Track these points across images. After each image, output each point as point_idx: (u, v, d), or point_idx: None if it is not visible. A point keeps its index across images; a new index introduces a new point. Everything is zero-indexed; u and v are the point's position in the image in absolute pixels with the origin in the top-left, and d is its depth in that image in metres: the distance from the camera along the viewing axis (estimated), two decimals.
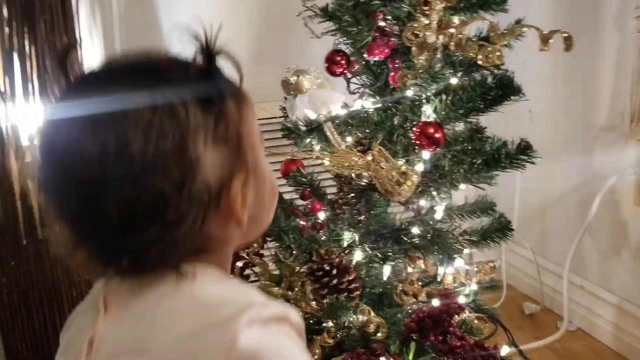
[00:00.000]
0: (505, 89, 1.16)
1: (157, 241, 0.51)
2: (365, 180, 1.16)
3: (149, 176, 0.49)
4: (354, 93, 1.33)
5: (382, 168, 0.99)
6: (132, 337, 0.53)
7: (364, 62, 1.27)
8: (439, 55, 1.13)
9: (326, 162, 1.11)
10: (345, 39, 1.26)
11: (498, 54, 0.96)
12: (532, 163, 1.22)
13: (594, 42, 1.67)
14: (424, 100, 1.14)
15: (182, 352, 0.50)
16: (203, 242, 0.55)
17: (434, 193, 1.23)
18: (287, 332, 0.52)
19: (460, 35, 1.04)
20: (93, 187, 0.49)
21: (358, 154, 1.10)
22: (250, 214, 0.58)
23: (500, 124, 1.96)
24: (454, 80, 1.13)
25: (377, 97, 1.27)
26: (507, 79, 1.16)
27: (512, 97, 1.19)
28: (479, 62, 0.99)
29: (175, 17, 1.74)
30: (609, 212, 1.68)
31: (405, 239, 1.24)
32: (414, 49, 1.00)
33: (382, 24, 1.18)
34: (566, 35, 0.93)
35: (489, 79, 1.16)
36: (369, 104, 1.24)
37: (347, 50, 1.28)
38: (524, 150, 1.22)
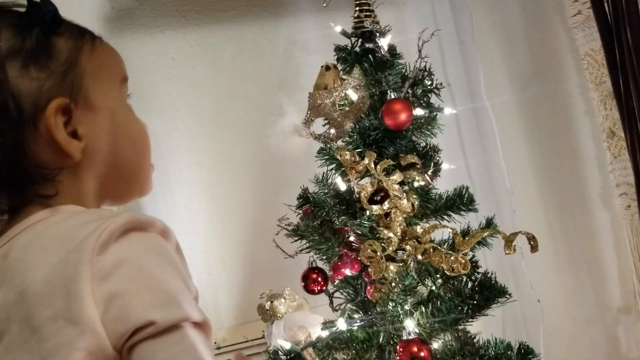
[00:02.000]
0: (488, 293, 1.08)
1: None
2: None
3: None
4: (337, 309, 1.26)
5: None
6: (11, 289, 0.54)
7: (342, 277, 1.22)
8: (411, 266, 1.09)
9: None
10: (319, 255, 1.23)
11: (462, 262, 0.91)
12: None
13: (587, 221, 1.62)
14: (402, 315, 1.07)
15: (54, 283, 0.52)
16: (37, 170, 0.59)
17: None
18: (151, 240, 0.55)
19: (425, 245, 1.00)
20: None
21: None
22: (105, 155, 0.63)
23: (514, 316, 1.84)
24: (429, 290, 1.07)
25: (361, 313, 1.20)
26: (487, 281, 1.09)
27: (499, 300, 1.11)
28: (446, 272, 0.93)
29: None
30: None
31: None
32: (370, 269, 0.95)
33: (351, 239, 1.16)
34: (529, 236, 0.88)
35: (469, 285, 1.09)
36: (351, 322, 1.17)
37: (323, 267, 1.24)
38: (525, 355, 1.10)
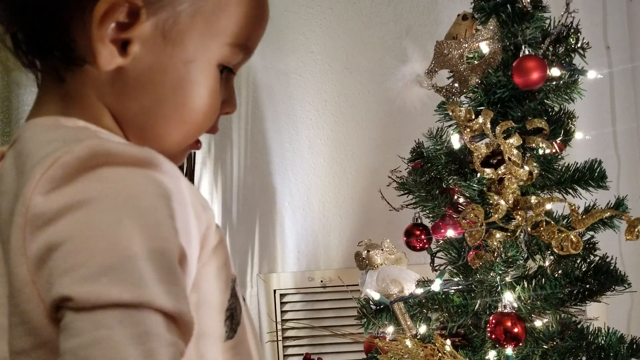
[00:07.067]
0: (603, 278, 0.98)
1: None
2: None
3: None
4: (436, 269, 1.22)
5: None
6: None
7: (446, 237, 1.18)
8: (520, 237, 1.01)
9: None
10: (425, 213, 1.20)
11: (574, 241, 0.82)
12: None
13: None
14: (502, 287, 1.00)
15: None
16: (64, 42, 0.45)
17: None
18: (123, 179, 0.39)
19: (537, 218, 0.92)
20: None
21: (420, 343, 0.98)
22: (142, 100, 0.47)
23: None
24: (538, 265, 0.99)
25: (460, 277, 1.15)
26: (605, 266, 0.99)
27: (616, 288, 1.00)
28: (555, 250, 0.85)
29: (288, 183, 1.82)
30: None
31: None
32: (466, 234, 0.90)
33: (460, 200, 1.11)
34: None
35: (583, 267, 0.99)
36: (447, 284, 1.13)
37: (428, 225, 1.20)
38: (636, 352, 0.99)
